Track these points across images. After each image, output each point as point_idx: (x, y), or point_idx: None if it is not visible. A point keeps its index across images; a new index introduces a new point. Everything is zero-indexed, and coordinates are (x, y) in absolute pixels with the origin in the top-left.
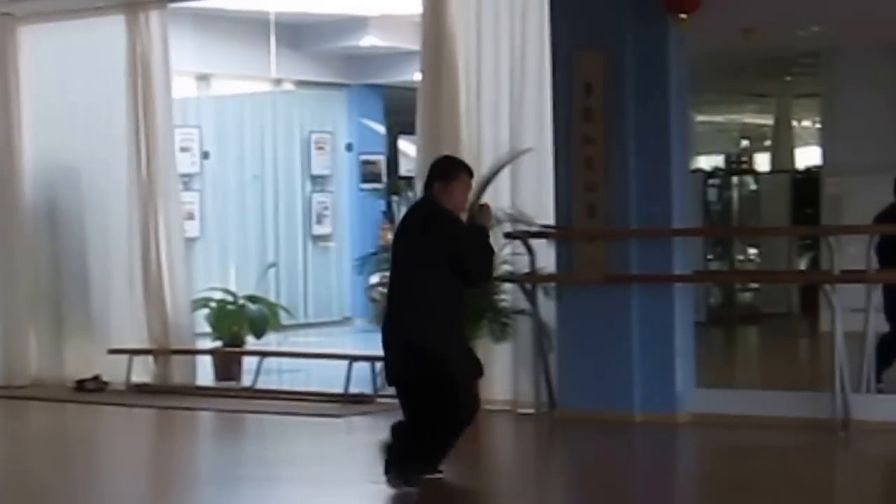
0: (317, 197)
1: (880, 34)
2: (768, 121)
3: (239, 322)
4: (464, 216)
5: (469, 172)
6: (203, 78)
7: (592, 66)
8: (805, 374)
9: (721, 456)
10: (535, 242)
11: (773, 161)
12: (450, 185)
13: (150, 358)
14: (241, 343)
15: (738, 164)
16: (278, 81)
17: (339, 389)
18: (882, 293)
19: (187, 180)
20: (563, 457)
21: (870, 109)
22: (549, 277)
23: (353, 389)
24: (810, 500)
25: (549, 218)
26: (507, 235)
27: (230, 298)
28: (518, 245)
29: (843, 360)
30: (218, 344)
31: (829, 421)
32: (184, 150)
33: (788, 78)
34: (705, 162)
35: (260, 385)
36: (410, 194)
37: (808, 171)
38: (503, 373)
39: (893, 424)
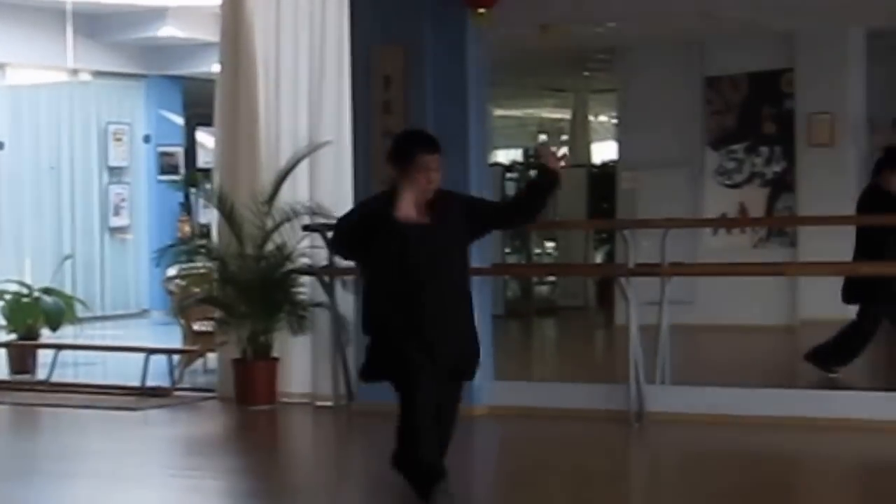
0: (114, 188)
1: (673, 30)
2: (566, 115)
3: (34, 315)
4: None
5: (428, 148)
6: None
7: (391, 59)
8: (601, 366)
9: (518, 447)
10: None
11: (570, 155)
12: (407, 171)
13: None
14: (36, 336)
15: (536, 159)
16: (75, 72)
17: (136, 383)
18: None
19: None
20: (361, 449)
21: (663, 104)
22: (347, 270)
23: (150, 382)
24: (605, 490)
25: None
26: (306, 228)
27: (25, 291)
28: (316, 238)
29: (638, 352)
30: (12, 337)
31: (624, 412)
32: None
33: (585, 73)
34: (504, 156)
35: (56, 378)
36: (208, 186)
37: (605, 165)
38: (301, 366)
39: (686, 415)
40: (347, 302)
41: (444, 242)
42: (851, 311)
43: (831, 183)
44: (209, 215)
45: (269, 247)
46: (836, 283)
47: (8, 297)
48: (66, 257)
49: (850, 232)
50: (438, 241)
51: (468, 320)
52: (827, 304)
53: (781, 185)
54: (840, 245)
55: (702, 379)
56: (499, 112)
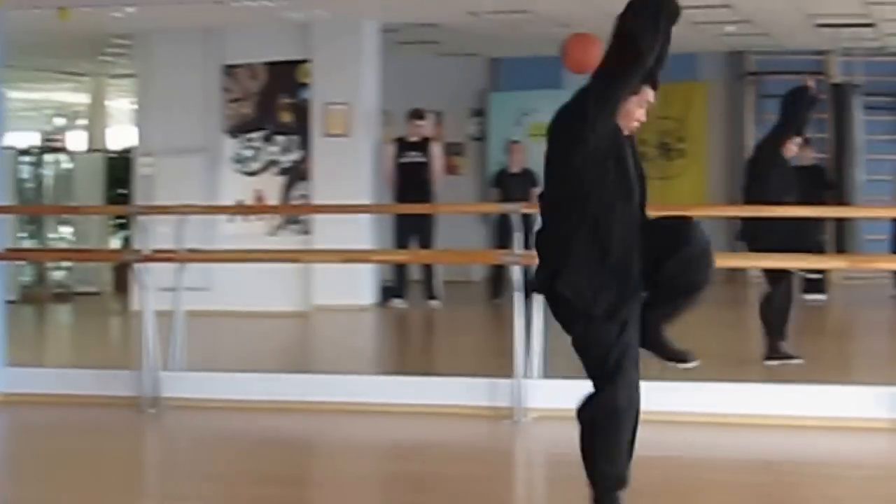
0: None
1: (191, 17)
2: (84, 100)
3: None
4: None
5: (654, 83)
6: None
7: None
8: (117, 352)
9: (29, 435)
10: None
11: (89, 140)
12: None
13: None
14: None
15: (52, 143)
16: None
17: None
18: None
19: None
20: None
21: (182, 91)
22: None
23: None
24: (116, 475)
25: None
26: None
27: None
28: None
29: (153, 338)
30: None
31: (139, 398)
32: None
33: (103, 58)
34: (19, 139)
35: None
36: None
37: (123, 151)
38: None
39: (201, 401)
40: None
41: None
42: (359, 298)
43: (346, 172)
44: None
45: None
46: (347, 271)
47: None
48: None
49: (361, 220)
50: None
51: None
52: (338, 291)
53: (297, 174)
54: (352, 233)
55: (217, 365)
56: (14, 94)
